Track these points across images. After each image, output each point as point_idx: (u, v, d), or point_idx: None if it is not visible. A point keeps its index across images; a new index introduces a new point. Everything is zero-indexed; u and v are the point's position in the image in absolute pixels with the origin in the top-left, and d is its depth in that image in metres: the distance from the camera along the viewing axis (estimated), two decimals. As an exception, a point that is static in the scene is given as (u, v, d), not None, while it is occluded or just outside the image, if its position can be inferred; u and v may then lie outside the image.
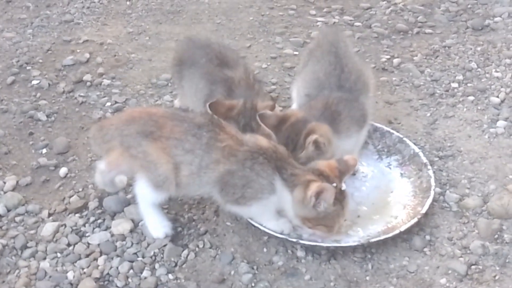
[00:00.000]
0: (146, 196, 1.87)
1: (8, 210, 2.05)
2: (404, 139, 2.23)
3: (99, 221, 2.00)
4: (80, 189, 2.13)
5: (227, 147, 1.75)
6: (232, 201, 1.80)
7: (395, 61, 2.93)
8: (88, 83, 2.77)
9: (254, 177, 1.74)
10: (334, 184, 1.73)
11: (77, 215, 2.02)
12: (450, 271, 1.82)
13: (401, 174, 2.17)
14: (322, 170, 1.75)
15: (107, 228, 1.96)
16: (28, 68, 2.90)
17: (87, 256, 1.88)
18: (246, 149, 1.76)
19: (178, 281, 1.80)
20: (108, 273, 1.82)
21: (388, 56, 2.99)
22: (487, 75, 2.80)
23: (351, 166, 1.80)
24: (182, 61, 2.31)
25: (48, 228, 1.96)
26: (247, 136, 1.81)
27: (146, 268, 1.83)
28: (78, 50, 3.05)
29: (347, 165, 1.79)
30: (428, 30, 3.23)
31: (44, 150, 2.35)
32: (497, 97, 2.62)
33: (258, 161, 1.74)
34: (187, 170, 1.78)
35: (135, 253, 1.88)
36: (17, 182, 2.17)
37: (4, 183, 2.16)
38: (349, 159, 1.80)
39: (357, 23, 3.33)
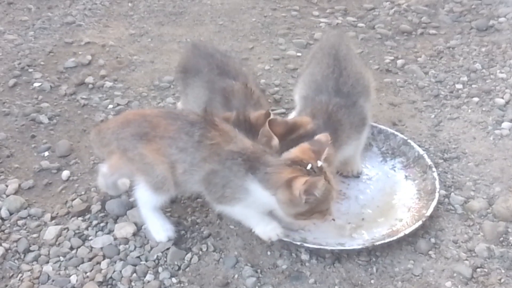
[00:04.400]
0: (146, 200, 1.86)
1: (11, 214, 2.04)
2: (409, 141, 2.23)
3: (102, 224, 1.99)
4: (83, 192, 2.13)
5: (215, 145, 1.73)
6: (214, 200, 1.78)
7: (399, 62, 2.93)
8: (90, 86, 2.77)
9: (232, 178, 1.71)
10: (310, 166, 1.65)
11: (80, 218, 2.02)
12: (455, 274, 1.81)
13: (406, 176, 2.16)
14: (293, 158, 1.68)
15: (110, 231, 1.96)
16: (30, 70, 2.89)
17: (90, 259, 1.87)
18: (229, 148, 1.73)
19: (182, 284, 1.79)
20: (111, 277, 1.81)
21: (392, 57, 2.98)
22: (491, 76, 2.78)
23: (325, 143, 1.72)
24: (186, 70, 2.33)
25: (50, 232, 1.95)
26: (237, 137, 1.77)
27: (149, 271, 1.82)
28: (80, 52, 3.05)
29: (320, 143, 1.72)
30: (432, 31, 3.22)
31: (47, 153, 2.34)
32: (502, 98, 2.61)
33: (236, 162, 1.71)
34: (181, 168, 1.77)
35: (138, 257, 1.87)
36: (20, 185, 2.17)
37: (7, 186, 2.16)
38: (321, 137, 1.74)
39: (360, 24, 3.33)
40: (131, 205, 2.02)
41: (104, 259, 1.87)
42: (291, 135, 1.87)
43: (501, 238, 1.93)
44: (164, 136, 1.76)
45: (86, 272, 1.82)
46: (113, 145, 1.85)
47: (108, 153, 1.90)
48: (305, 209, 1.67)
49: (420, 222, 1.89)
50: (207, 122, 1.77)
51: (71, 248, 1.91)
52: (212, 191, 1.76)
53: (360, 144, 2.12)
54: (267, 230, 1.80)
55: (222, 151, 1.72)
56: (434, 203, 1.95)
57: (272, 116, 1.91)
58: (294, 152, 1.71)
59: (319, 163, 1.67)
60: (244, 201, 1.73)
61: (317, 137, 1.75)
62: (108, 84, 2.78)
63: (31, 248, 1.91)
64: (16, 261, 1.87)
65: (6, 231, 1.98)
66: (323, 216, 1.74)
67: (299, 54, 3.02)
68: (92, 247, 1.90)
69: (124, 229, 1.94)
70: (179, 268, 1.83)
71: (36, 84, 2.78)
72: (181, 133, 1.76)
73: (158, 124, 1.78)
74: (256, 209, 1.78)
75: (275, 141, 1.89)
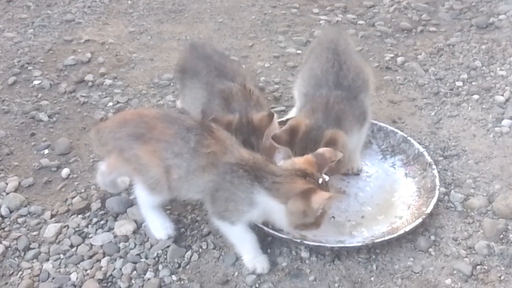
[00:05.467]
0: (144, 199, 1.87)
1: (11, 212, 2.04)
2: (409, 138, 2.22)
3: (101, 222, 1.99)
4: (83, 190, 2.13)
5: (211, 154, 1.72)
6: (218, 214, 1.76)
7: (399, 59, 2.92)
8: (90, 83, 2.76)
9: (235, 191, 1.69)
10: (321, 180, 1.67)
11: (80, 216, 2.02)
12: (455, 272, 1.81)
13: (406, 174, 2.16)
14: (304, 169, 1.68)
15: (110, 229, 1.96)
16: (29, 68, 2.89)
17: (90, 257, 1.87)
18: (226, 160, 1.71)
19: (182, 282, 1.79)
20: (111, 275, 1.81)
21: (392, 55, 2.98)
22: (491, 73, 2.78)
23: (328, 159, 1.74)
24: (184, 70, 2.32)
25: (50, 230, 1.95)
26: (233, 146, 1.75)
27: (149, 269, 1.82)
28: (79, 50, 3.04)
29: (323, 158, 1.73)
30: (432, 28, 3.22)
31: (46, 151, 2.34)
32: (502, 95, 2.60)
33: (237, 175, 1.69)
34: (176, 174, 1.75)
35: (138, 254, 1.87)
36: (19, 183, 2.16)
37: (6, 184, 2.15)
38: (325, 152, 1.75)
39: (360, 22, 3.32)
40: (131, 203, 2.02)
41: (104, 256, 1.87)
42: (296, 136, 1.88)
43: (501, 236, 1.93)
44: (160, 139, 1.75)
45: (86, 270, 1.82)
46: (110, 145, 1.85)
47: (106, 152, 1.90)
48: (311, 221, 1.68)
49: (420, 220, 1.89)
50: (204, 129, 1.76)
51: (71, 246, 1.91)
52: (217, 206, 1.74)
53: (360, 140, 2.12)
54: (255, 261, 1.80)
55: (219, 163, 1.71)
56: (434, 200, 1.95)
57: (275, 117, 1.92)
58: (302, 164, 1.70)
59: (327, 178, 1.69)
60: (248, 213, 1.72)
61: (321, 151, 1.75)
62: (108, 82, 2.77)
63: (31, 246, 1.91)
64: (16, 259, 1.87)
65: (6, 229, 1.98)
66: (318, 228, 1.74)
67: (299, 51, 3.02)
68: (92, 245, 1.90)
69: (124, 227, 1.94)
70: (179, 266, 1.83)
71: (35, 82, 2.77)
72: (177, 138, 1.74)
73: (155, 127, 1.77)
74: (256, 219, 1.77)
75: (287, 150, 1.89)
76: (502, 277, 1.79)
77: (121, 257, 1.86)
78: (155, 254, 1.86)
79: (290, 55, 3.00)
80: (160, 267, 1.83)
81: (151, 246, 1.89)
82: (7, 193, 2.11)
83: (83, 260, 1.86)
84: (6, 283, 1.79)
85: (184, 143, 1.73)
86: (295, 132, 1.89)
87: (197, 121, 1.80)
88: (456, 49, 3.01)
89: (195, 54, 2.32)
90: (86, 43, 3.12)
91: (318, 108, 1.96)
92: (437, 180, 2.02)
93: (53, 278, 1.80)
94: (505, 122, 2.44)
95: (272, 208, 1.69)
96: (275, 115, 2.00)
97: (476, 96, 2.62)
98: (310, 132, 1.88)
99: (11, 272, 1.83)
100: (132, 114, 1.88)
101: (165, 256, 1.86)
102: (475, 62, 2.86)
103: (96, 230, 1.96)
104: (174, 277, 1.80)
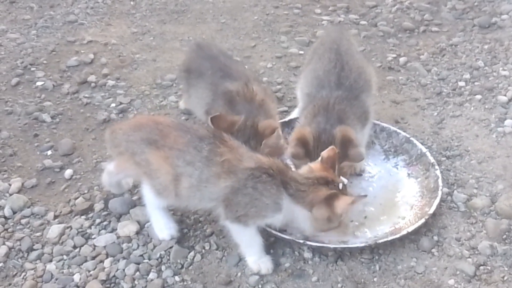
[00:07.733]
0: (151, 200, 1.88)
1: (14, 213, 2.05)
2: (411, 139, 2.22)
3: (104, 223, 1.99)
4: (86, 191, 2.13)
5: (226, 161, 1.72)
6: (233, 218, 1.75)
7: (402, 60, 2.92)
8: (93, 84, 2.77)
9: (258, 196, 1.70)
10: (341, 185, 1.72)
11: (83, 217, 2.02)
12: (458, 272, 1.81)
13: (408, 174, 2.16)
14: (325, 177, 1.72)
15: (113, 230, 1.96)
16: (32, 69, 2.89)
17: (93, 258, 1.87)
18: (245, 166, 1.71)
19: (185, 283, 1.79)
20: (114, 275, 1.81)
21: (394, 55, 2.97)
22: (494, 73, 2.78)
23: (333, 157, 1.76)
24: (190, 70, 2.32)
25: (54, 230, 1.96)
26: (247, 153, 1.76)
27: (152, 270, 1.82)
28: (82, 51, 3.05)
29: (330, 159, 1.76)
30: (435, 28, 3.22)
31: (49, 152, 2.35)
32: (505, 95, 2.60)
33: (261, 180, 1.70)
34: (187, 183, 1.75)
35: (141, 255, 1.87)
36: (23, 184, 2.17)
37: (10, 185, 2.16)
38: (329, 152, 1.77)
39: (362, 22, 3.32)
40: (134, 204, 2.03)
41: (107, 257, 1.87)
42: (309, 146, 1.90)
43: (504, 236, 1.92)
44: (173, 147, 1.77)
45: (89, 271, 1.83)
46: (122, 146, 1.87)
47: (118, 153, 1.91)
48: (336, 225, 1.74)
49: (423, 220, 1.89)
50: (216, 138, 1.76)
51: (74, 247, 1.91)
52: (233, 210, 1.73)
53: (363, 141, 2.12)
54: (259, 262, 1.81)
55: (237, 169, 1.71)
56: (437, 201, 1.95)
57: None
58: (322, 171, 1.73)
59: (345, 181, 1.75)
60: (270, 218, 1.73)
61: (325, 154, 1.76)
62: (111, 82, 2.78)
63: (34, 247, 1.92)
64: (19, 259, 1.88)
65: (10, 229, 1.98)
66: (338, 228, 1.78)
67: (301, 52, 3.02)
68: (95, 246, 1.91)
69: (127, 228, 1.95)
70: (182, 267, 1.83)
71: (38, 83, 2.78)
72: (190, 147, 1.75)
73: (168, 134, 1.79)
74: (275, 223, 1.78)
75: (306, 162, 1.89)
76: (505, 278, 1.79)
77: (124, 258, 1.86)
78: (158, 255, 1.87)
79: (292, 56, 3.00)
80: (163, 267, 1.83)
81: (154, 247, 1.90)
82: (11, 194, 2.12)
83: (86, 261, 1.86)
84: (10, 284, 1.80)
85: (197, 152, 1.74)
86: (305, 142, 1.91)
87: (210, 130, 1.81)
88: (458, 49, 3.00)
89: (201, 54, 2.33)
90: (89, 44, 3.13)
91: (319, 110, 1.97)
92: (440, 180, 2.02)
93: (56, 279, 1.81)
94: (508, 122, 2.44)
95: (297, 215, 1.73)
96: (279, 129, 2.00)
97: (478, 96, 2.61)
98: (320, 136, 1.90)
99: (14, 273, 1.84)
100: (148, 120, 1.90)
101: (168, 257, 1.86)
102: (478, 62, 2.86)
103: (99, 231, 1.96)
104: (177, 278, 1.80)
